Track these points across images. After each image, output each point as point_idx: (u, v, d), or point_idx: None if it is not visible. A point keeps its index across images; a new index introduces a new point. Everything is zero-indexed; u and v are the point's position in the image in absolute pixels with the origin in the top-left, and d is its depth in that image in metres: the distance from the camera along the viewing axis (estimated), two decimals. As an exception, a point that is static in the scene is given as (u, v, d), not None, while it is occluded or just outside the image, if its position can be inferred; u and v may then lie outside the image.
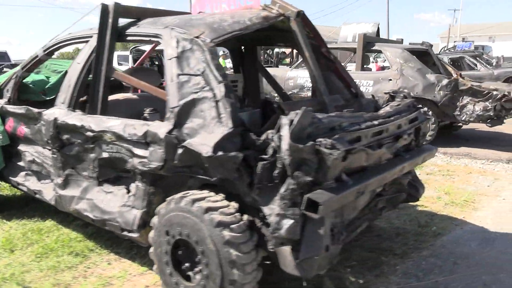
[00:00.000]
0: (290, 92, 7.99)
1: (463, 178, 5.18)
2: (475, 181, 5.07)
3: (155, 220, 2.51)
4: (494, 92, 6.34)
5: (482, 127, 8.36)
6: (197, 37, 2.52)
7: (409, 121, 2.86)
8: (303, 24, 2.97)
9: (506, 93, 6.26)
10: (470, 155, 6.32)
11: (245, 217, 2.26)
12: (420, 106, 3.16)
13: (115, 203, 2.81)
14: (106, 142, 2.80)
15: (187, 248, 2.39)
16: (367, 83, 7.20)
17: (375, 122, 2.48)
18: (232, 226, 2.18)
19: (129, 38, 2.95)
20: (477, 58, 13.25)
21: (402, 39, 9.15)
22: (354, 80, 3.53)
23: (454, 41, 18.63)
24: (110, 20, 2.92)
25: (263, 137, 2.20)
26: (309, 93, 7.62)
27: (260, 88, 4.20)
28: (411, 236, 3.51)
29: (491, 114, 6.31)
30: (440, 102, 6.59)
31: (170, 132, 2.40)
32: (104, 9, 2.94)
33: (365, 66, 8.34)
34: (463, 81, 6.58)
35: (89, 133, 2.85)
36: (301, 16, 2.92)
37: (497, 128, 8.39)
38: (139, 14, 3.08)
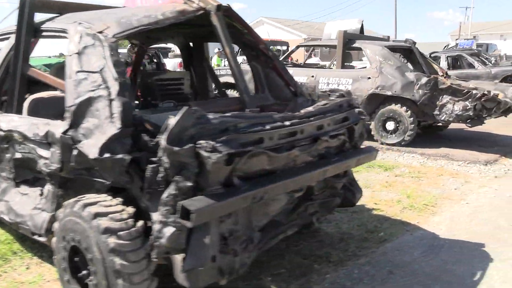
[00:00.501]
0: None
1: (432, 181, 4.97)
2: (444, 184, 4.86)
3: (56, 225, 2.39)
4: (474, 91, 6.10)
5: (477, 127, 8.14)
6: (100, 32, 2.39)
7: (336, 121, 2.69)
8: (225, 19, 2.82)
9: (485, 92, 6.02)
10: (448, 156, 6.09)
11: (140, 223, 2.13)
12: (356, 105, 2.97)
13: (28, 205, 2.70)
14: (18, 142, 2.69)
15: (83, 255, 2.27)
16: (346, 82, 7.01)
17: (287, 123, 2.32)
18: (120, 233, 2.05)
19: (43, 34, 2.83)
20: (475, 57, 12.93)
21: (389, 36, 8.91)
22: (294, 78, 3.36)
23: (456, 39, 18.25)
24: (25, 15, 2.80)
25: (157, 138, 2.06)
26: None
27: (208, 86, 4.07)
28: (354, 242, 3.34)
29: (471, 114, 6.08)
30: (419, 101, 6.37)
31: (65, 132, 2.28)
32: (22, 3, 2.83)
33: (349, 63, 8.14)
34: (443, 80, 6.35)
35: (1, 133, 2.74)
36: (223, 10, 2.77)
37: (485, 128, 8.16)
38: (61, 9, 2.96)
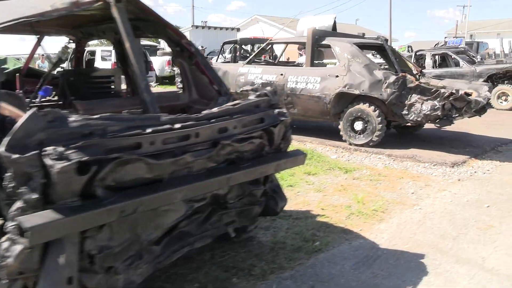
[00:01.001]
0: (241, 89, 7.61)
1: (391, 184, 4.74)
2: (401, 187, 4.63)
3: None
4: (442, 90, 5.86)
5: (451, 127, 7.90)
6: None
7: (246, 123, 2.46)
8: (127, 11, 2.58)
9: (453, 91, 5.78)
10: (415, 157, 5.85)
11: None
12: (277, 105, 2.74)
13: None
14: None
15: None
16: (314, 80, 6.77)
17: (177, 126, 2.09)
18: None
19: None
20: (462, 55, 12.70)
21: (364, 33, 8.66)
22: (219, 77, 3.13)
23: (445, 37, 17.99)
24: None
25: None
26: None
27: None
28: (285, 252, 3.11)
29: (439, 113, 5.83)
30: (387, 100, 6.14)
31: None
32: None
33: (320, 61, 7.89)
34: (411, 78, 6.11)
35: None
36: (125, 1, 2.53)
37: (464, 128, 7.95)
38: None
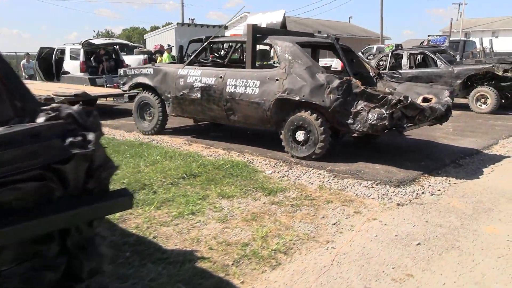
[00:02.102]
0: (181, 93, 6.84)
1: (314, 211, 3.98)
2: (325, 216, 3.87)
3: None
4: (389, 97, 5.09)
5: (419, 134, 7.17)
6: None
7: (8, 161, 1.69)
8: None
9: (402, 98, 5.01)
10: (359, 173, 5.09)
11: None
12: (81, 132, 1.97)
13: None
14: None
15: None
16: (253, 84, 6.00)
17: None
18: None
19: None
20: (441, 54, 11.94)
21: (320, 31, 7.87)
22: (26, 89, 2.34)
23: (428, 35, 17.24)
24: None
25: None
26: (199, 95, 6.48)
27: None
28: (123, 320, 2.35)
29: (386, 123, 5.06)
30: (330, 107, 5.37)
31: None
32: None
33: (266, 62, 7.12)
34: (357, 83, 5.34)
35: None
36: None
37: (432, 135, 7.24)
38: None
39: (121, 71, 8.18)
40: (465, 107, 10.90)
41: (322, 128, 5.48)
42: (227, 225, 3.63)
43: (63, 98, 9.72)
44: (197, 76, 6.67)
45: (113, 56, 17.40)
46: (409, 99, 5.02)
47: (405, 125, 5.20)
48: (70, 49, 16.88)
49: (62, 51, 17.01)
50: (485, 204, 4.21)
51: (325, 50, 7.44)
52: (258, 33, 6.22)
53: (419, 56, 12.98)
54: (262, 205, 4.09)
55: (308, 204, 4.14)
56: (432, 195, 4.50)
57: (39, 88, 11.33)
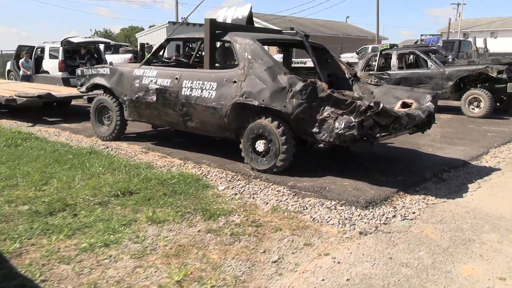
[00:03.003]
0: (136, 96, 6.15)
1: (255, 243, 3.27)
2: (267, 250, 3.17)
3: None
4: (358, 102, 4.39)
5: (401, 141, 6.47)
6: None
7: None
8: None
9: (372, 104, 4.31)
10: (324, 190, 4.40)
11: None
12: None
13: None
14: None
15: None
16: (210, 86, 5.30)
17: None
18: None
19: None
20: (430, 54, 11.25)
21: (292, 28, 7.12)
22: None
23: (421, 35, 16.50)
24: None
25: None
26: (154, 98, 5.79)
27: None
28: None
29: (355, 133, 4.36)
30: (293, 113, 4.67)
31: None
32: None
33: (229, 62, 6.39)
34: (322, 86, 4.64)
35: None
36: None
37: (415, 142, 6.56)
38: None
39: (78, 71, 7.48)
40: (457, 111, 10.22)
41: (284, 137, 4.78)
42: (142, 262, 2.93)
43: (25, 99, 9.05)
44: (153, 77, 5.98)
45: (95, 55, 16.73)
46: (381, 105, 4.32)
47: (377, 135, 4.50)
48: (50, 47, 16.16)
49: (42, 50, 16.33)
50: (465, 233, 3.51)
51: (296, 48, 6.74)
52: (218, 29, 5.52)
53: (410, 57, 12.30)
54: (195, 234, 3.39)
55: (252, 232, 3.44)
56: (403, 219, 3.80)
57: (6, 88, 10.65)
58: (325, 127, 4.58)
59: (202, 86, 5.35)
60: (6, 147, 6.41)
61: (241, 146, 5.20)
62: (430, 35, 17.94)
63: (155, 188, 4.41)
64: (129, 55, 19.54)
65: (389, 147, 6.45)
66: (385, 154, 6.09)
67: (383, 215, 3.88)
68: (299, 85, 4.65)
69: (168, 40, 6.31)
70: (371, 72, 11.67)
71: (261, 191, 4.51)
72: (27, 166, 5.24)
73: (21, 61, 14.80)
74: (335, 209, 3.98)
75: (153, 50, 6.48)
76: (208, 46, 5.46)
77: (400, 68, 11.61)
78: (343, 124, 4.41)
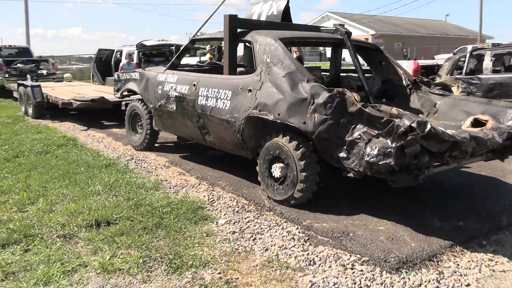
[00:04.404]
0: (159, 104, 5.52)
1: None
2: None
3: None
4: (396, 122, 3.21)
5: (486, 164, 5.11)
6: None
7: None
8: None
9: (414, 125, 3.10)
10: (345, 238, 3.29)
11: None
12: None
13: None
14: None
15: None
16: (225, 95, 4.44)
17: None
18: None
19: None
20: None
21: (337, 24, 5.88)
22: None
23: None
24: None
25: None
26: (174, 106, 5.12)
27: None
28: None
29: (391, 162, 3.19)
30: (314, 133, 3.62)
31: None
32: None
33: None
34: (352, 97, 3.52)
35: None
36: None
37: (498, 169, 5.11)
38: None
39: (115, 75, 7.08)
40: None
41: (304, 162, 3.74)
42: None
43: (79, 103, 8.99)
44: (173, 83, 5.28)
45: (169, 57, 16.80)
46: (428, 126, 3.10)
47: (427, 166, 3.28)
48: (127, 50, 16.54)
49: (121, 53, 16.78)
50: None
51: (340, 48, 5.59)
52: (241, 27, 4.63)
53: (510, 58, 10.32)
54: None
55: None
56: (448, 297, 2.59)
57: (73, 91, 10.82)
58: (355, 151, 3.46)
59: (217, 95, 4.51)
60: (36, 154, 6.16)
61: (257, 169, 4.26)
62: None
63: (138, 219, 3.66)
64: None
65: (458, 172, 5.05)
66: (450, 183, 4.72)
67: (420, 285, 2.70)
68: (323, 95, 3.59)
69: (192, 41, 5.56)
70: (458, 76, 9.95)
71: (268, 230, 3.55)
72: (33, 179, 4.84)
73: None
74: (352, 269, 2.89)
75: (177, 53, 5.78)
76: (228, 47, 4.60)
77: (495, 71, 9.74)
78: (376, 150, 3.27)
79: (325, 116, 3.56)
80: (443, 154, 3.32)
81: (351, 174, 3.72)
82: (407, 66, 13.39)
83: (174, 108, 5.20)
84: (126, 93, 6.82)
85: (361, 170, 3.42)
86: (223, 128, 4.47)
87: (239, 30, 4.64)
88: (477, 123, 4.02)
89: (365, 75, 4.66)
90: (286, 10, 5.18)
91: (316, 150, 3.80)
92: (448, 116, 4.29)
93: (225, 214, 3.89)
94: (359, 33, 33.28)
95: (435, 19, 48.37)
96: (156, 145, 6.48)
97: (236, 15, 4.60)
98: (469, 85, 9.56)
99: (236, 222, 3.73)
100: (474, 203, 4.06)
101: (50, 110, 10.34)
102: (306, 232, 3.46)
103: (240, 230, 3.56)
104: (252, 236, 3.44)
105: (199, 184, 4.76)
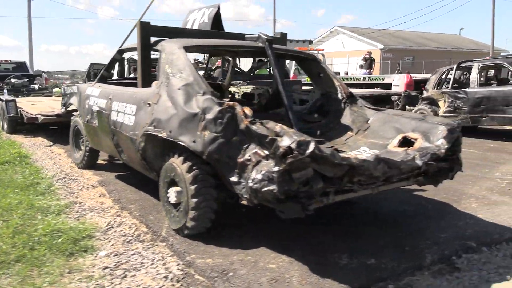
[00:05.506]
0: (86, 119, 5.13)
1: None
2: None
3: None
4: (278, 140, 2.70)
5: (448, 187, 4.55)
6: None
7: None
8: None
9: (292, 146, 2.59)
10: (220, 278, 2.78)
11: None
12: None
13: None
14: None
15: None
16: (131, 110, 4.00)
17: None
18: None
19: None
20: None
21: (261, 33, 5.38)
22: None
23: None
24: None
25: None
26: (96, 122, 4.72)
27: None
28: None
29: (275, 189, 2.67)
30: (204, 153, 3.14)
31: None
32: None
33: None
34: (241, 112, 3.03)
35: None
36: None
37: (457, 193, 4.54)
38: None
39: (61, 89, 6.75)
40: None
41: (195, 186, 3.24)
42: None
43: (44, 118, 8.69)
44: (96, 97, 4.88)
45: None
46: (311, 147, 2.58)
47: (324, 194, 2.76)
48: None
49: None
50: None
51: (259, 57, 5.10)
52: (153, 35, 4.21)
53: (501, 70, 9.69)
54: None
55: None
56: None
57: (52, 106, 10.56)
58: (245, 175, 2.96)
59: (124, 109, 4.09)
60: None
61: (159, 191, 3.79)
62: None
63: (3, 250, 3.21)
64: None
65: (408, 196, 4.47)
66: (390, 209, 4.15)
67: None
68: (214, 110, 3.12)
69: (120, 52, 5.16)
70: (444, 90, 9.36)
71: (148, 266, 3.06)
72: None
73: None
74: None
75: (105, 65, 5.39)
76: (140, 56, 4.17)
77: (482, 85, 9.13)
78: (260, 174, 2.77)
79: (215, 134, 3.08)
80: (341, 179, 2.80)
81: (244, 202, 3.20)
82: (399, 79, 12.80)
83: (97, 124, 4.80)
84: (71, 107, 6.47)
85: (248, 197, 2.91)
86: (128, 146, 4.03)
87: (156, 38, 4.23)
88: (406, 141, 3.48)
89: (305, 88, 4.16)
90: (218, 17, 4.75)
91: (213, 174, 3.31)
92: (378, 133, 3.76)
93: (112, 245, 3.42)
94: (368, 47, 32.71)
95: (448, 33, 47.36)
96: (103, 162, 6.10)
97: (149, 22, 4.18)
98: (455, 99, 8.96)
99: (119, 254, 3.25)
100: (402, 235, 3.49)
101: (27, 125, 10.07)
102: (185, 269, 2.96)
103: (115, 265, 3.07)
104: (123, 273, 2.95)
105: (110, 208, 4.31)
